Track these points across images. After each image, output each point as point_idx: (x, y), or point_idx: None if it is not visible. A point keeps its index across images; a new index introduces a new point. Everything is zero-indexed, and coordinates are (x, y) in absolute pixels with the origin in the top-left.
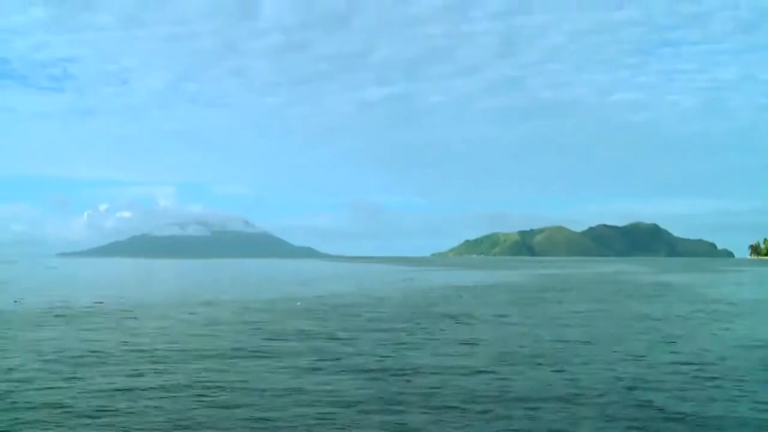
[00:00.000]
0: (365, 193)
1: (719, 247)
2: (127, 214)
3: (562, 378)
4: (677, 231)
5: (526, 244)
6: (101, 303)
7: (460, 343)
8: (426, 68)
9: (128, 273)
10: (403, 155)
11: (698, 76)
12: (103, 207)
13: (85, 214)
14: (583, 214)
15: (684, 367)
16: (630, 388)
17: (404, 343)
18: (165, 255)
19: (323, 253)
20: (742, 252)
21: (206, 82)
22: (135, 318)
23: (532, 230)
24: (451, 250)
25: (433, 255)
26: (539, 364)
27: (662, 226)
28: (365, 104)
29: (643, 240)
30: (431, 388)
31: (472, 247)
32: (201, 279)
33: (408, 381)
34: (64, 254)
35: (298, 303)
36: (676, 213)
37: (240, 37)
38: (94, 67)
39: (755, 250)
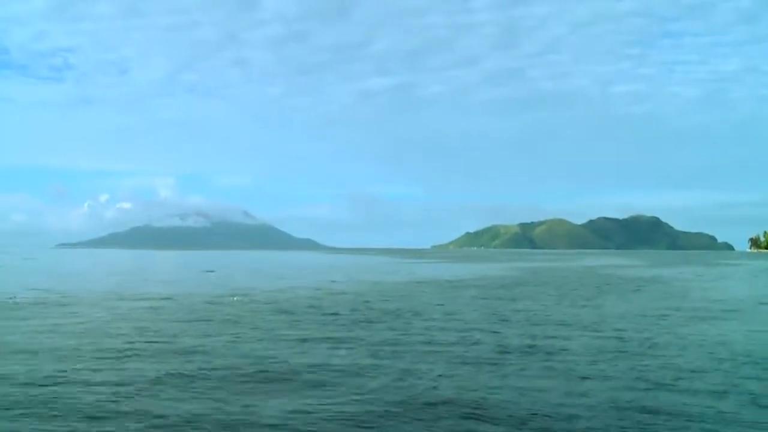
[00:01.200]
0: (366, 185)
1: (719, 240)
2: (127, 205)
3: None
4: (678, 224)
5: (526, 237)
6: (19, 297)
7: (339, 342)
8: (426, 59)
9: (101, 265)
10: (404, 146)
11: (699, 68)
12: (103, 197)
13: (86, 204)
14: (583, 207)
15: (601, 386)
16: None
17: (287, 341)
18: (165, 246)
19: (324, 245)
20: (743, 245)
21: (206, 72)
22: (42, 311)
23: (532, 223)
24: (452, 242)
25: (433, 247)
26: (401, 369)
27: (663, 218)
28: (365, 95)
29: (643, 233)
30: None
31: (473, 239)
32: (158, 269)
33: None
34: (63, 245)
35: (235, 298)
36: (677, 206)
37: (240, 27)
38: (93, 57)
39: (755, 243)
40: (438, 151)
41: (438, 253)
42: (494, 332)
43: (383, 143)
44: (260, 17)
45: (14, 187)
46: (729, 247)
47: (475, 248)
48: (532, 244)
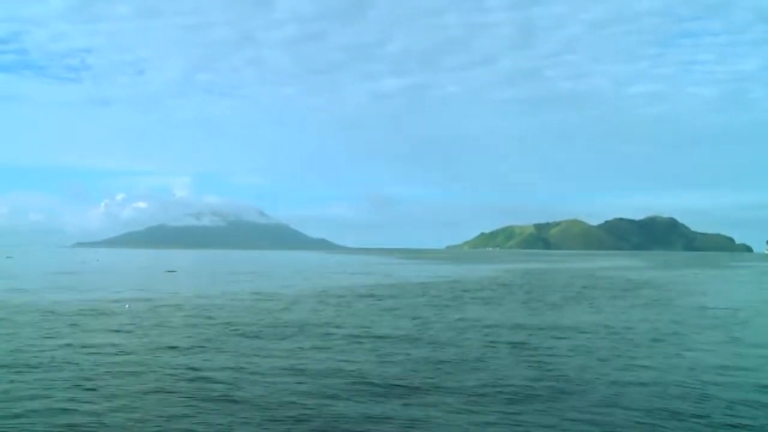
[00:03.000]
0: (381, 185)
1: (738, 241)
2: (143, 204)
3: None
4: (695, 225)
5: (541, 237)
6: None
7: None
8: (442, 59)
9: (79, 265)
10: (420, 146)
11: (718, 68)
12: (119, 197)
13: (102, 203)
14: (600, 207)
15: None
16: None
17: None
18: (181, 245)
19: (338, 244)
20: (762, 246)
21: (222, 73)
22: None
23: (548, 223)
24: (466, 242)
25: (447, 247)
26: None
27: (680, 219)
28: (381, 95)
29: (660, 234)
30: None
31: (488, 239)
32: (123, 269)
33: None
34: (81, 244)
35: (127, 305)
36: (694, 207)
37: (256, 27)
38: (110, 57)
39: None
40: (454, 152)
41: (448, 253)
42: (373, 350)
43: (399, 143)
44: (276, 17)
45: (32, 186)
46: (747, 248)
47: (489, 249)
48: (547, 244)
